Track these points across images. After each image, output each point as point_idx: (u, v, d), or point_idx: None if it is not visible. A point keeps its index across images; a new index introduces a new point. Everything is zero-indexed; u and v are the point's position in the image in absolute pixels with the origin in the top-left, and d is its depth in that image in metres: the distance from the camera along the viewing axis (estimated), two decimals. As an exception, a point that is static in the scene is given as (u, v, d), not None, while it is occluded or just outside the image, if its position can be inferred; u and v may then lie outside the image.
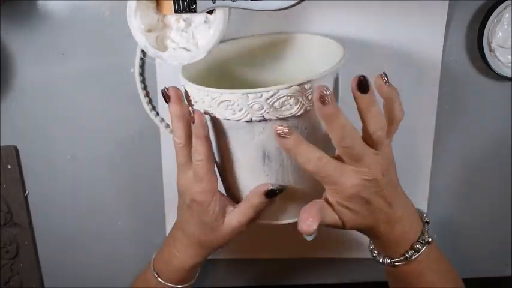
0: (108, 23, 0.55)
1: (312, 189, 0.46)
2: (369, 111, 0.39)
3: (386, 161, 0.42)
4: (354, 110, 0.40)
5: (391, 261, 0.45)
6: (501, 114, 0.60)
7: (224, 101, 0.41)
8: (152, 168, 0.61)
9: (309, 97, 0.41)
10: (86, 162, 0.61)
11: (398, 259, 0.45)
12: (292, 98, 0.40)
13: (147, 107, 0.58)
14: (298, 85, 0.40)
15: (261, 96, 0.40)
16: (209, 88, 0.41)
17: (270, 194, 0.44)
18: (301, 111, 0.41)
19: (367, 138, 0.40)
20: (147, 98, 0.58)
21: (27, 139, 0.60)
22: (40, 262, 0.65)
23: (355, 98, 0.40)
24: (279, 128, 0.39)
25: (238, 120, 0.41)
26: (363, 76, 0.39)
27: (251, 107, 0.40)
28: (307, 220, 0.40)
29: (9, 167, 0.60)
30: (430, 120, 0.58)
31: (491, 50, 0.55)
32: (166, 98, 0.44)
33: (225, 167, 0.47)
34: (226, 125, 0.43)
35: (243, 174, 0.46)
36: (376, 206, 0.42)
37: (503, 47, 0.55)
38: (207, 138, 0.43)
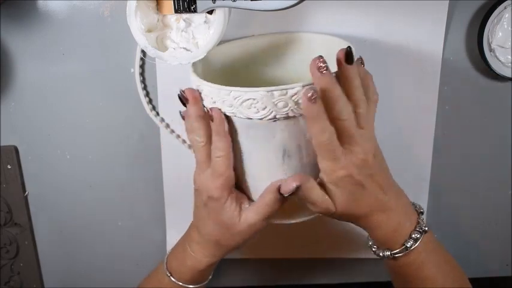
0: (108, 23, 0.55)
1: None
2: (353, 82, 0.41)
3: (374, 143, 0.43)
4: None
5: (391, 254, 0.45)
6: (501, 114, 0.60)
7: (247, 100, 0.40)
8: (152, 168, 0.61)
9: None
10: (86, 162, 0.61)
11: (398, 250, 0.45)
12: (316, 94, 0.40)
13: (147, 107, 0.58)
14: None
15: (286, 93, 0.40)
16: (231, 87, 0.41)
17: None
18: None
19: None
20: (147, 98, 0.58)
21: (27, 139, 0.60)
22: (40, 262, 0.65)
23: (340, 70, 0.41)
24: (310, 91, 0.39)
25: (261, 119, 0.41)
26: (350, 47, 0.41)
27: (276, 104, 0.40)
28: (290, 179, 0.42)
29: (9, 167, 0.60)
30: (430, 120, 0.58)
31: (491, 50, 0.55)
32: (184, 100, 0.44)
33: (241, 167, 0.46)
34: (246, 124, 0.42)
35: (261, 174, 0.45)
36: (370, 190, 0.42)
37: (503, 47, 0.55)
38: (227, 134, 0.43)
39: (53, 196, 0.62)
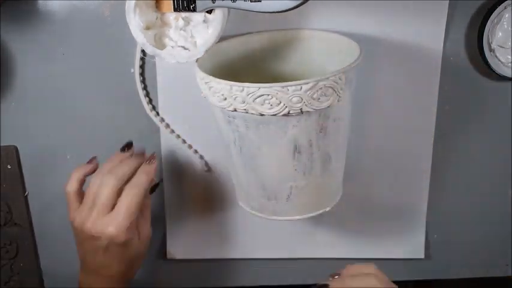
0: (108, 23, 0.55)
1: (335, 181, 0.47)
2: None
3: None
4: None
5: None
6: (501, 114, 0.59)
7: (261, 96, 0.40)
8: (152, 168, 0.60)
9: (342, 88, 0.41)
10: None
11: None
12: (330, 89, 0.41)
13: (147, 107, 0.58)
14: (335, 75, 0.41)
15: (300, 89, 0.40)
16: (245, 83, 0.41)
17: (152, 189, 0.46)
18: (335, 102, 0.42)
19: None
20: (147, 98, 0.58)
21: (27, 139, 0.60)
22: (40, 262, 0.65)
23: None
24: None
25: (275, 115, 0.41)
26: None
27: (290, 100, 0.40)
28: None
29: (9, 167, 0.60)
30: (430, 120, 0.58)
31: (491, 50, 0.55)
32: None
33: (250, 164, 0.46)
34: (257, 120, 0.42)
35: (270, 170, 0.46)
36: None
37: (503, 47, 0.55)
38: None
39: (53, 196, 0.62)
